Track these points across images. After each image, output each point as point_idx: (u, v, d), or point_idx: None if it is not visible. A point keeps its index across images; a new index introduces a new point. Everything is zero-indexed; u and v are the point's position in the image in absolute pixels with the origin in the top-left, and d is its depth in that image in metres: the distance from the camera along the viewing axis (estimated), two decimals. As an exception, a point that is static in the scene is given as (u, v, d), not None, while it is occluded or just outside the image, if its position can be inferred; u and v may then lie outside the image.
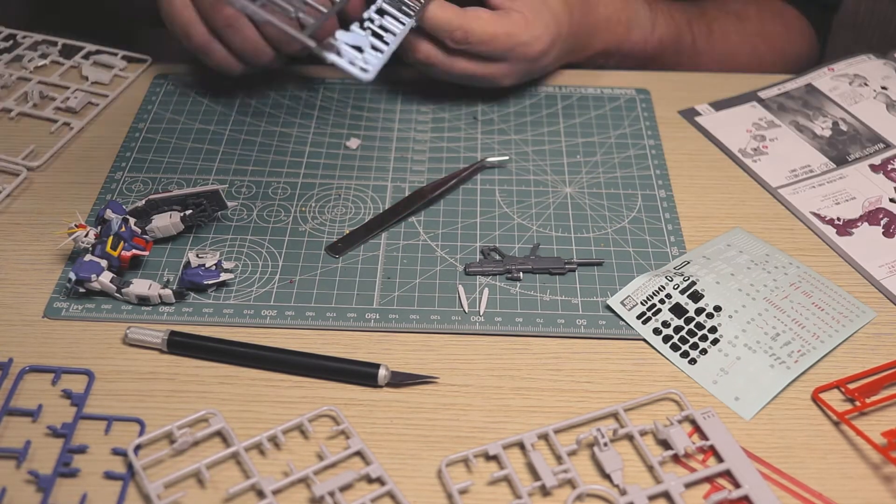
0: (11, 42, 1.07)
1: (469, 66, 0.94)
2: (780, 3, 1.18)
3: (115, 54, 1.06)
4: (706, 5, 1.14)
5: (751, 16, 1.15)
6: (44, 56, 1.06)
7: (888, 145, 0.94)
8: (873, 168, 0.92)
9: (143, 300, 0.76)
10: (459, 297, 0.78)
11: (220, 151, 0.94)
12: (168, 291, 0.76)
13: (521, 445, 0.67)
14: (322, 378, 0.72)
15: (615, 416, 0.69)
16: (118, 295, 0.76)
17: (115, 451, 0.66)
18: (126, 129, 0.96)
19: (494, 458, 0.67)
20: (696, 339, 0.74)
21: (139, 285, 0.76)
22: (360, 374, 0.71)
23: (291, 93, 1.01)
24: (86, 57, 1.06)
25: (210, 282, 0.78)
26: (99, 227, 0.79)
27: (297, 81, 1.03)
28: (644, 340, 0.75)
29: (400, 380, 0.71)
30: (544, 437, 0.68)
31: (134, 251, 0.78)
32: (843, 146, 0.95)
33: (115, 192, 0.88)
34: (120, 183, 0.89)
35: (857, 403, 0.70)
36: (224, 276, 0.78)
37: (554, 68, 1.03)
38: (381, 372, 0.71)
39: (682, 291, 0.77)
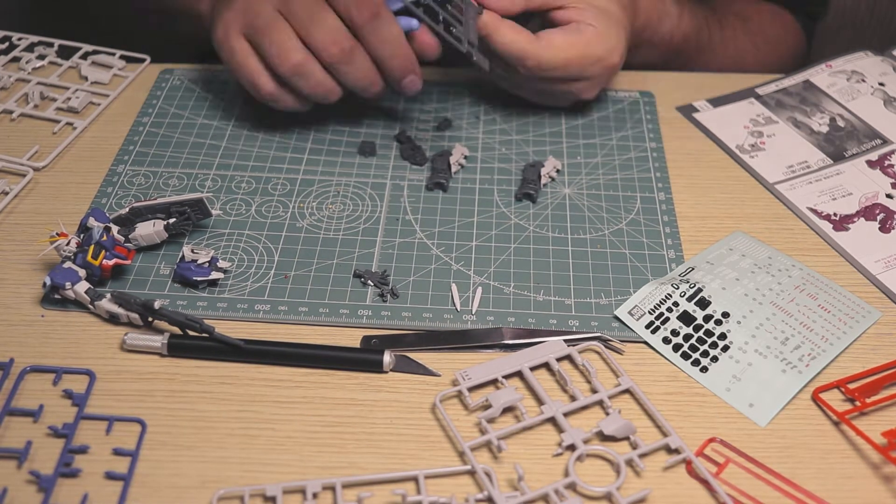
0: (7, 44, 1.07)
1: (544, 84, 0.94)
2: (774, 7, 1.19)
3: (113, 54, 1.06)
4: (714, 4, 1.15)
5: (751, 16, 1.17)
6: (41, 57, 1.05)
7: (885, 141, 0.94)
8: (870, 164, 0.92)
9: (113, 316, 0.75)
10: (452, 295, 0.79)
11: (223, 146, 0.94)
12: (136, 315, 0.74)
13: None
14: (327, 368, 0.72)
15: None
16: (91, 307, 0.75)
17: (116, 452, 0.66)
18: (128, 128, 0.96)
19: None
20: (706, 347, 0.74)
21: (109, 303, 0.74)
22: (365, 361, 0.72)
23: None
24: (83, 57, 1.06)
25: (200, 279, 0.78)
26: (81, 236, 0.78)
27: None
28: (646, 344, 0.75)
29: (404, 366, 0.72)
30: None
31: (116, 260, 0.77)
32: (840, 142, 0.95)
33: (116, 184, 0.89)
34: (122, 176, 0.90)
35: (857, 403, 0.70)
36: (214, 275, 0.78)
37: None
38: (386, 358, 0.72)
39: (689, 299, 0.77)
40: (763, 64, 1.15)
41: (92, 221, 0.78)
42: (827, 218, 0.86)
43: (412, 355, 0.73)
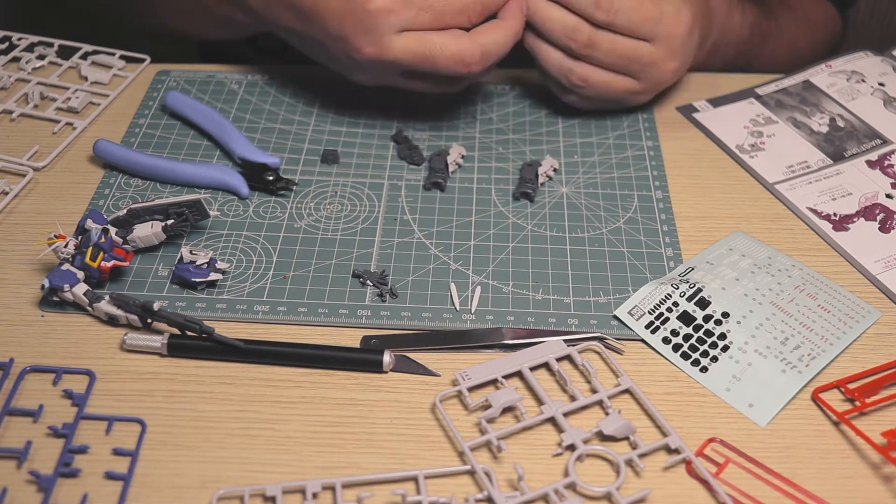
0: (7, 44, 1.07)
1: (616, 47, 0.89)
2: None
3: (113, 54, 1.05)
4: None
5: (795, 5, 1.19)
6: (41, 57, 1.05)
7: (885, 141, 0.94)
8: (870, 164, 0.92)
9: (112, 318, 0.75)
10: (451, 295, 0.79)
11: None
12: (135, 316, 0.74)
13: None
14: (327, 368, 0.72)
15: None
16: (90, 309, 0.75)
17: (116, 452, 0.66)
18: (127, 128, 0.96)
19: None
20: (705, 347, 0.74)
21: (108, 305, 0.74)
22: (365, 361, 0.72)
23: (293, 90, 1.01)
24: (83, 57, 1.06)
25: (199, 280, 0.78)
26: (79, 238, 0.78)
27: (299, 80, 1.02)
28: (646, 344, 0.75)
29: (404, 366, 0.72)
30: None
31: (114, 262, 0.77)
32: (840, 142, 0.95)
33: (114, 185, 0.88)
34: (118, 178, 0.89)
35: (857, 403, 0.70)
36: (213, 276, 0.78)
37: (695, 60, 0.97)
38: (386, 358, 0.72)
39: (689, 299, 0.77)
40: (813, 48, 1.18)
41: (90, 223, 0.78)
42: (827, 218, 0.86)
43: (412, 355, 0.73)
